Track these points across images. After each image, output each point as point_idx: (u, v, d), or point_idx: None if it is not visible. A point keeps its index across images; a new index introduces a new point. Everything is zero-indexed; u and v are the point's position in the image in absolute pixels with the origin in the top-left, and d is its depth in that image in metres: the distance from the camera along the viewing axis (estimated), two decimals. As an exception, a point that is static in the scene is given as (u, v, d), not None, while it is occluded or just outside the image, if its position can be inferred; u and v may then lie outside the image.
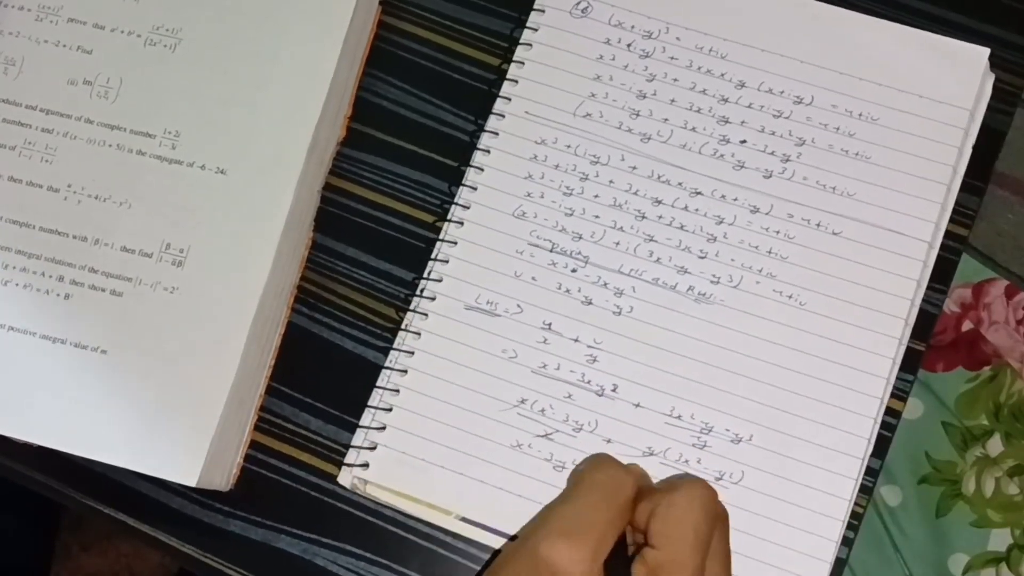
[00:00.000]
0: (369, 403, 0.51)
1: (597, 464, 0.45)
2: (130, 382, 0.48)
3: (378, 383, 0.51)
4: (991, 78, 0.51)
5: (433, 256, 0.52)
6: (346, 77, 0.53)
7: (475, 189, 0.52)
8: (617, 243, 0.51)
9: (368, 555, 0.51)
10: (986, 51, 0.51)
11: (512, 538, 0.48)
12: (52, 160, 0.51)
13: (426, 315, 0.51)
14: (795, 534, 0.48)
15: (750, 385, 0.49)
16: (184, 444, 0.47)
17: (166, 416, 0.48)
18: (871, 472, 0.50)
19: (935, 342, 0.90)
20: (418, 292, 0.51)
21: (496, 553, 0.49)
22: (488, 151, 0.52)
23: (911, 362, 0.51)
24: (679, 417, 0.49)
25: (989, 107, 0.52)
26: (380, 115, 0.55)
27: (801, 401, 0.49)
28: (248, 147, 0.50)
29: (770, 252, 0.50)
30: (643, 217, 0.51)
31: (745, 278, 0.50)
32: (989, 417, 0.88)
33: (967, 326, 0.91)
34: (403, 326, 0.51)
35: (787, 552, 0.48)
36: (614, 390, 0.49)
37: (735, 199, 0.51)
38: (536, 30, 0.53)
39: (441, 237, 0.52)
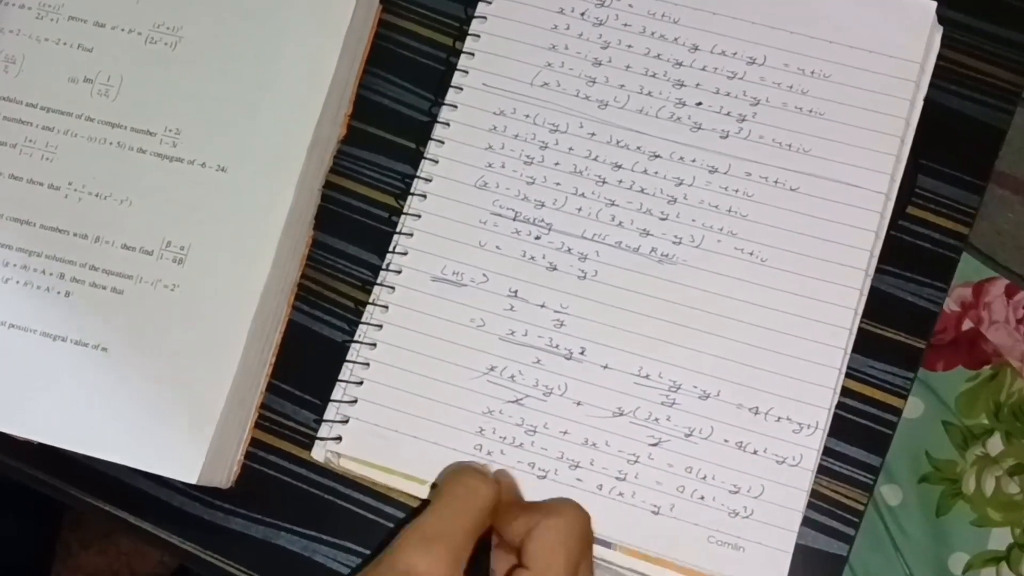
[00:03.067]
0: (340, 377, 0.51)
1: (455, 475, 0.45)
2: (131, 379, 0.48)
3: (348, 357, 0.51)
4: (939, 31, 0.52)
5: (398, 230, 0.52)
6: (347, 75, 0.53)
7: (436, 162, 0.52)
8: (579, 209, 0.51)
9: (368, 552, 0.51)
10: (933, 4, 0.51)
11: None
12: (53, 158, 0.51)
13: (393, 288, 0.51)
14: (767, 485, 0.48)
15: (716, 342, 0.49)
16: (185, 441, 0.47)
17: (167, 413, 0.48)
18: (871, 470, 0.50)
19: (935, 341, 0.90)
20: (384, 266, 0.52)
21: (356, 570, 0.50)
22: (448, 124, 0.53)
23: (911, 360, 0.51)
24: (647, 376, 0.49)
25: (989, 106, 0.53)
26: (381, 113, 0.55)
27: (766, 355, 0.49)
28: (249, 145, 0.50)
29: (730, 211, 0.51)
30: (604, 182, 0.51)
31: (707, 237, 0.50)
32: (989, 416, 0.89)
33: (967, 325, 0.91)
34: (371, 300, 0.52)
35: (758, 503, 0.48)
36: (582, 353, 0.50)
37: (693, 160, 0.51)
38: (490, 2, 0.54)
39: (405, 210, 0.52)
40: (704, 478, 0.48)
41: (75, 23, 0.52)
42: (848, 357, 0.49)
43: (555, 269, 0.51)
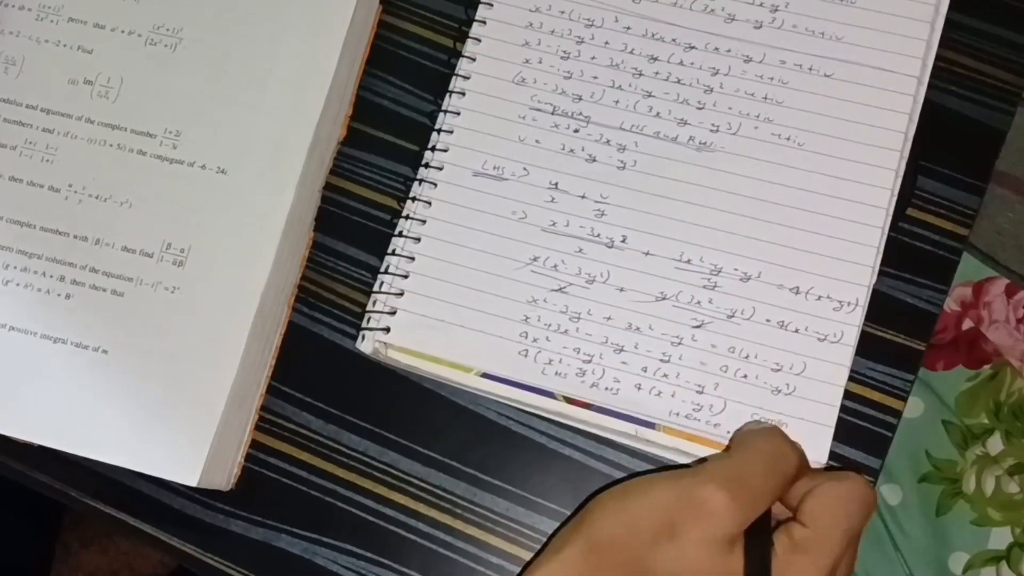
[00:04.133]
0: (381, 270, 0.51)
1: (766, 433, 0.45)
2: (131, 382, 0.48)
3: (389, 251, 0.52)
4: None
5: (437, 127, 0.53)
6: (347, 76, 0.53)
7: (474, 59, 0.53)
8: (616, 101, 0.52)
9: (368, 555, 0.51)
10: None
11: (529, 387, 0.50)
12: (53, 160, 0.51)
13: (435, 184, 0.52)
14: (808, 362, 0.49)
15: (755, 225, 0.50)
16: (185, 444, 0.47)
17: (167, 416, 0.48)
18: (871, 473, 0.50)
19: (935, 341, 0.90)
20: (424, 163, 0.52)
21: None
22: (484, 22, 0.53)
23: (911, 362, 0.51)
24: (688, 261, 0.50)
25: (989, 107, 0.53)
26: (381, 114, 0.55)
27: (805, 236, 0.50)
28: (249, 147, 0.50)
29: (766, 98, 0.51)
30: (640, 74, 0.52)
31: (743, 125, 0.51)
32: (989, 416, 0.89)
33: (967, 325, 0.91)
34: (411, 196, 0.52)
35: (800, 380, 0.49)
36: (623, 241, 0.50)
37: (728, 51, 0.52)
38: None
39: (444, 108, 0.53)
40: (747, 357, 0.49)
41: (75, 24, 0.52)
42: (885, 239, 0.50)
43: (594, 160, 0.51)
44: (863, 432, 0.51)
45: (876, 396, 0.51)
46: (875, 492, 0.44)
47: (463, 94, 0.53)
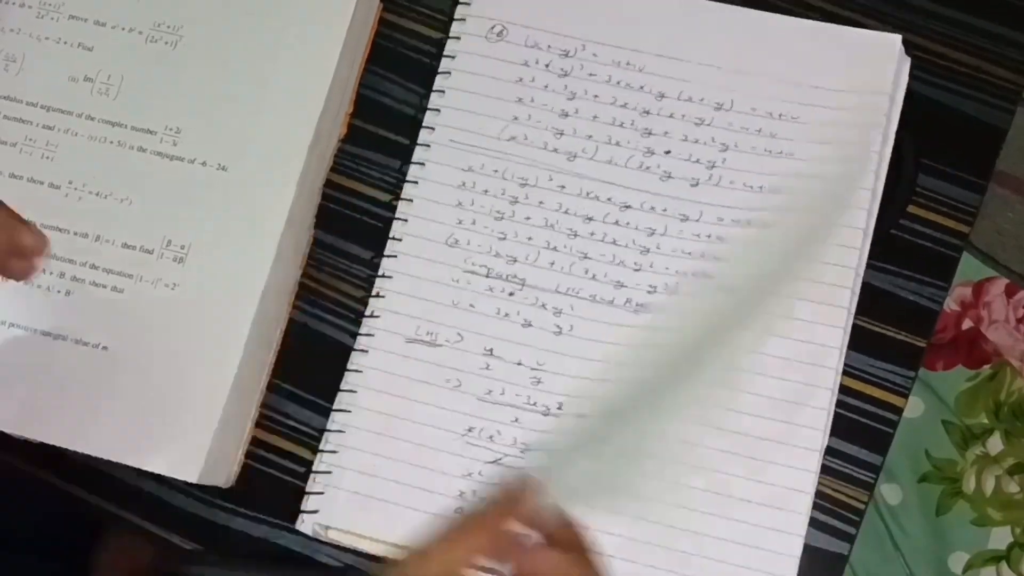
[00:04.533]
0: (320, 447, 0.50)
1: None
2: (131, 378, 0.48)
3: (327, 426, 0.51)
4: (907, 62, 0.51)
5: (373, 293, 0.52)
6: (347, 74, 0.53)
7: (406, 221, 0.52)
8: (552, 263, 0.51)
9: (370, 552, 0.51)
10: (898, 37, 0.51)
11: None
12: (53, 156, 0.51)
13: (367, 351, 0.51)
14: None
15: None
16: (186, 440, 0.47)
17: (168, 412, 0.48)
18: (872, 469, 0.50)
19: (935, 340, 0.90)
20: (360, 332, 0.51)
21: None
22: (416, 182, 0.52)
23: (912, 359, 0.51)
24: None
25: (990, 105, 0.53)
26: (381, 112, 0.55)
27: (751, 398, 0.49)
28: (249, 144, 0.50)
29: (703, 256, 0.50)
30: (575, 235, 0.51)
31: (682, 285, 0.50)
32: (989, 415, 0.89)
33: (967, 324, 0.91)
34: (347, 367, 0.51)
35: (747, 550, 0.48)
36: (559, 408, 0.49)
37: (664, 210, 0.51)
38: (453, 57, 0.53)
39: (379, 274, 0.52)
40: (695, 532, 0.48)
41: (75, 22, 0.52)
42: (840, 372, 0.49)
43: (530, 325, 0.50)
44: (864, 429, 0.51)
45: (877, 393, 0.51)
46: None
47: (395, 256, 0.52)
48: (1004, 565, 0.86)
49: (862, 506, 0.50)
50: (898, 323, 0.52)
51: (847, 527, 0.50)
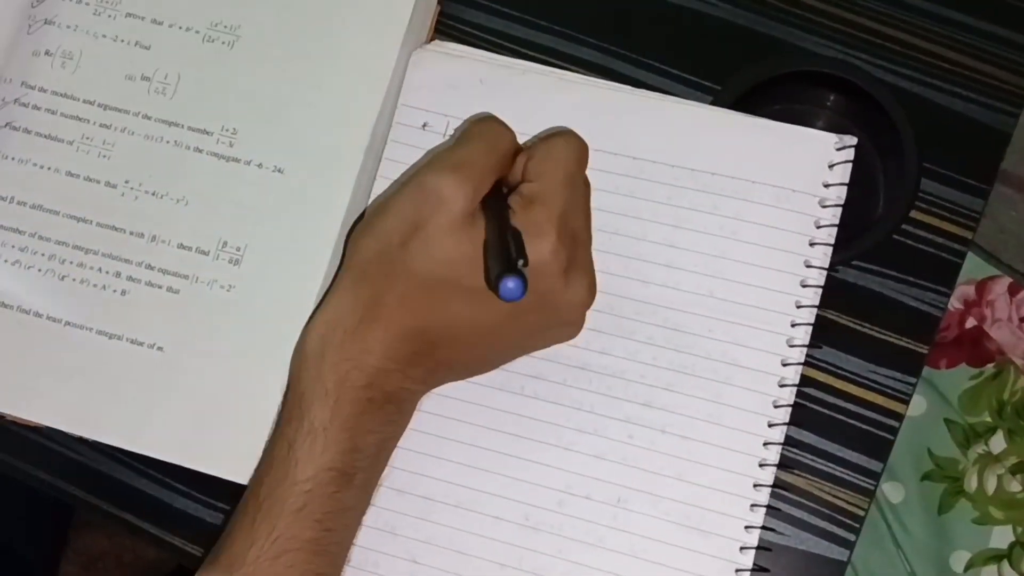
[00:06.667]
0: None
1: (482, 118, 0.48)
2: (186, 379, 0.49)
3: None
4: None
5: None
6: (404, 77, 0.53)
7: None
8: None
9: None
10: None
11: None
12: (110, 155, 0.51)
13: None
14: None
15: None
16: (239, 442, 0.48)
17: (221, 414, 0.48)
18: (872, 476, 0.51)
19: (938, 339, 0.91)
20: None
21: None
22: None
23: (913, 365, 0.51)
24: None
25: (993, 109, 0.53)
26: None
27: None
28: (306, 146, 0.50)
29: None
30: None
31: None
32: (992, 414, 0.89)
33: (970, 323, 0.92)
34: None
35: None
36: None
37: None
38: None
39: None
40: None
41: (132, 20, 0.52)
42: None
43: None
44: (864, 435, 0.51)
45: (878, 399, 0.51)
46: (586, 144, 0.46)
47: None
48: (1005, 564, 0.86)
49: (861, 513, 0.50)
50: (899, 329, 0.52)
51: (847, 534, 0.50)
